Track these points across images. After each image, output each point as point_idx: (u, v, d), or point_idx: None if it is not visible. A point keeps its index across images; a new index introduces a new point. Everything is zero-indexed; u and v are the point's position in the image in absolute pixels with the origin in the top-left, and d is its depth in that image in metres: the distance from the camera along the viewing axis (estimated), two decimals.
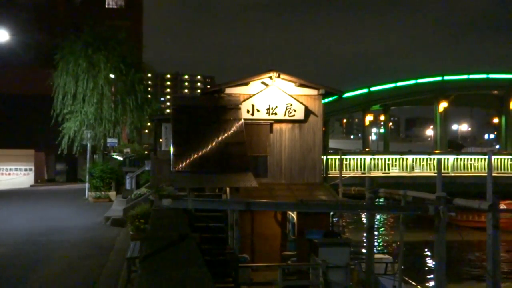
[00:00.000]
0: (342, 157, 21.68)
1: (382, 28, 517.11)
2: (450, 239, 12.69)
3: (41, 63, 38.34)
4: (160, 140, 25.05)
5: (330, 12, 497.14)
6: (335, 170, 23.47)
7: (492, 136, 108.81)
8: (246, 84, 17.56)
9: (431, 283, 18.36)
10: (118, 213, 20.55)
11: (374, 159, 27.05)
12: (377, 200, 16.64)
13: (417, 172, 27.38)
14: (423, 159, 27.82)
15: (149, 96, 34.78)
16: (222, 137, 15.80)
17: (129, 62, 31.46)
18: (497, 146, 69.37)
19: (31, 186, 37.12)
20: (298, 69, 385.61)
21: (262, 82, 17.53)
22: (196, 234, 10.55)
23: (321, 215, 16.18)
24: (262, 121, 17.48)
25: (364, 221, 24.28)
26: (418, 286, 16.14)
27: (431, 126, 76.61)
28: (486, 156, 23.62)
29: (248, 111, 17.20)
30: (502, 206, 23.67)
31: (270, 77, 17.39)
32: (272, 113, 17.38)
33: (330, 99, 23.57)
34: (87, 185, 28.08)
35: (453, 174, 27.54)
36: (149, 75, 52.69)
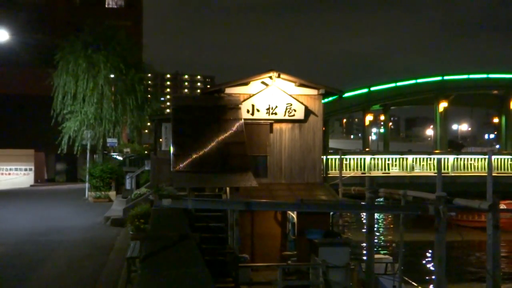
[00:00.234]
0: (342, 157, 21.68)
1: (382, 28, 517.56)
2: (450, 239, 12.69)
3: (41, 63, 38.33)
4: (160, 140, 25.05)
5: (330, 12, 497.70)
6: (335, 170, 23.47)
7: (492, 136, 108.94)
8: (246, 84, 17.55)
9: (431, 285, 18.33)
10: (118, 213, 20.56)
11: (374, 159, 27.05)
12: (377, 200, 16.63)
13: (417, 172, 27.38)
14: (423, 159, 27.83)
15: (149, 96, 34.76)
16: (222, 137, 15.79)
17: (129, 62, 31.46)
18: (497, 146, 69.39)
19: (31, 186, 37.13)
20: (298, 69, 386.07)
21: (262, 82, 17.52)
22: (196, 234, 10.53)
23: (321, 215, 16.17)
24: (262, 121, 17.48)
25: (364, 221, 24.27)
26: (419, 287, 16.13)
27: (431, 126, 76.60)
28: (486, 156, 23.60)
29: (248, 111, 17.20)
30: (502, 206, 23.66)
31: (270, 77, 17.38)
32: (272, 113, 17.38)
33: (330, 99, 23.62)
34: (87, 185, 28.09)
35: (453, 174, 27.54)
36: (149, 75, 52.67)
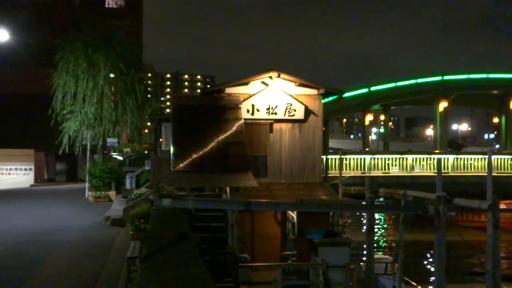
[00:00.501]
0: (342, 157, 21.68)
1: (382, 28, 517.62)
2: (450, 239, 12.69)
3: (41, 62, 38.37)
4: (160, 140, 25.06)
5: (330, 12, 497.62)
6: (335, 170, 23.47)
7: (492, 136, 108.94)
8: (246, 83, 17.56)
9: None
10: (118, 212, 20.56)
11: (374, 158, 27.07)
12: (377, 199, 16.64)
13: (417, 172, 27.40)
14: (423, 158, 27.84)
15: (149, 95, 34.73)
16: (222, 137, 15.80)
17: (129, 61, 31.41)
18: (497, 146, 69.40)
19: (31, 185, 37.16)
20: (298, 69, 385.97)
21: (262, 82, 17.53)
22: (196, 234, 10.53)
23: (321, 215, 16.17)
24: (262, 121, 17.49)
25: (364, 221, 24.27)
26: (418, 286, 16.14)
27: (431, 126, 76.54)
28: (486, 156, 23.61)
29: (248, 111, 17.20)
30: (502, 206, 23.67)
31: (270, 77, 17.39)
32: (272, 113, 17.38)
33: (330, 98, 23.57)
34: (87, 184, 28.11)
35: (453, 174, 27.55)
36: (149, 74, 52.70)
